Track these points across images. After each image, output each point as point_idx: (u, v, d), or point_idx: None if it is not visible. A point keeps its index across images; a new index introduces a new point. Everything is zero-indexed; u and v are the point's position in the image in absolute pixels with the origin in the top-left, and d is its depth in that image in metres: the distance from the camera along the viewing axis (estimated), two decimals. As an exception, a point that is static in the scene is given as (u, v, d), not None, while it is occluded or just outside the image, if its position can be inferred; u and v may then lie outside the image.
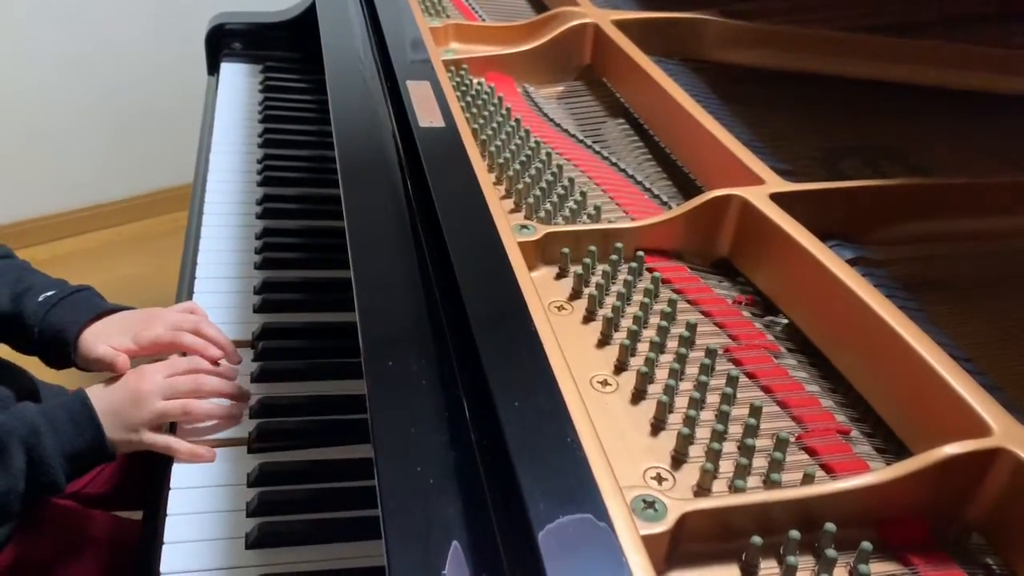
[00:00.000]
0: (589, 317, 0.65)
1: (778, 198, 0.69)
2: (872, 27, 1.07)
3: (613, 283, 0.68)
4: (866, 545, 0.46)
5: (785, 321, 0.67)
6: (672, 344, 0.62)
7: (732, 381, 0.57)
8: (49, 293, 0.85)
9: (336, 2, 1.05)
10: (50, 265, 0.90)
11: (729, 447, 0.54)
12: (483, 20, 1.16)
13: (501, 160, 0.82)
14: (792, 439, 0.55)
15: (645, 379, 0.58)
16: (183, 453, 0.75)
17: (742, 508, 0.47)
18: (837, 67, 1.02)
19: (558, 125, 0.94)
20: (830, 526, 0.47)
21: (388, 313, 0.55)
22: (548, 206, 0.75)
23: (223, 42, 1.41)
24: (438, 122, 0.77)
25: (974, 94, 0.99)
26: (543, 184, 0.78)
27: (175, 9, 2.25)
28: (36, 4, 2.08)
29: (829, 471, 0.53)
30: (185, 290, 0.94)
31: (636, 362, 0.60)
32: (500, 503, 0.43)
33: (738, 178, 0.74)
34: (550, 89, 1.05)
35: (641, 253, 0.69)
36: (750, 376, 0.60)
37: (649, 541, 0.44)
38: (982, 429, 0.49)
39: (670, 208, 0.78)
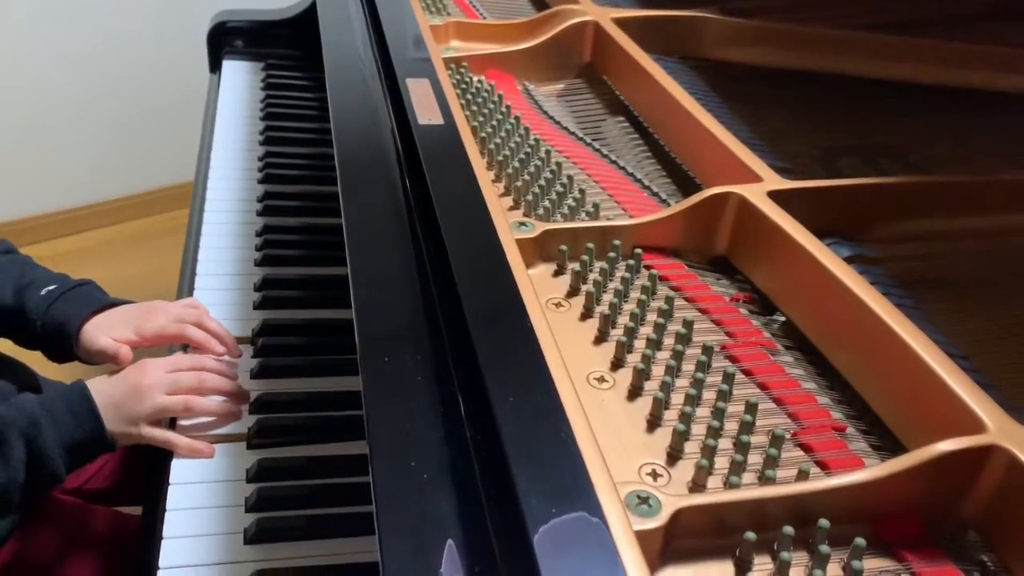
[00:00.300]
0: (586, 314, 0.65)
1: (776, 196, 0.69)
2: (872, 25, 1.07)
3: (611, 280, 0.68)
4: (860, 541, 0.46)
5: (783, 318, 0.67)
6: (669, 341, 0.62)
7: (728, 378, 0.57)
8: (51, 287, 0.85)
9: (337, 0, 1.05)
10: (51, 263, 0.91)
11: (725, 444, 0.54)
12: (484, 18, 1.17)
13: (500, 157, 0.82)
14: (788, 436, 0.55)
15: (641, 376, 0.58)
16: (182, 448, 0.75)
17: (736, 504, 0.48)
18: (837, 65, 1.02)
19: (558, 123, 0.95)
20: (824, 522, 0.47)
21: (384, 309, 0.56)
22: (546, 203, 0.75)
23: (225, 40, 1.41)
24: (437, 119, 0.77)
25: (974, 92, 0.99)
26: (542, 182, 0.78)
27: (177, 6, 2.25)
28: (38, 2, 2.08)
29: (824, 468, 0.53)
30: (186, 287, 0.95)
31: (633, 359, 0.61)
32: (494, 498, 0.43)
33: (736, 176, 0.74)
34: (550, 87, 1.05)
35: (639, 250, 0.70)
36: (746, 373, 0.61)
37: (643, 536, 0.44)
38: (977, 426, 0.50)
39: (669, 206, 0.79)
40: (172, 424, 0.78)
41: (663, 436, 0.55)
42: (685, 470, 0.53)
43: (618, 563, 0.40)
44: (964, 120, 0.97)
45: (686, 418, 0.54)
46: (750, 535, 0.47)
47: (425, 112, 0.78)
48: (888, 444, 0.56)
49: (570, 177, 0.79)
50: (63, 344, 0.83)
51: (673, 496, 0.47)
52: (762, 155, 0.78)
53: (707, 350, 0.60)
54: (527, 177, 0.78)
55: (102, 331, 0.82)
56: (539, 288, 0.67)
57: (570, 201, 0.76)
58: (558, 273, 0.70)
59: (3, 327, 0.87)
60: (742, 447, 0.52)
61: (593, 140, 0.92)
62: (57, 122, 2.26)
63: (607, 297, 0.66)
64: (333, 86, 0.84)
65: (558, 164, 0.81)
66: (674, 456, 0.54)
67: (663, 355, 0.61)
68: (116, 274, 2.21)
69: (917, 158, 0.91)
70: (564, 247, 0.69)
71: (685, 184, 0.85)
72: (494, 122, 0.87)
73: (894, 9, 1.11)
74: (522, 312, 0.55)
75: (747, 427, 0.54)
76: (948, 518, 0.50)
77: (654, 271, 0.68)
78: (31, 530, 0.85)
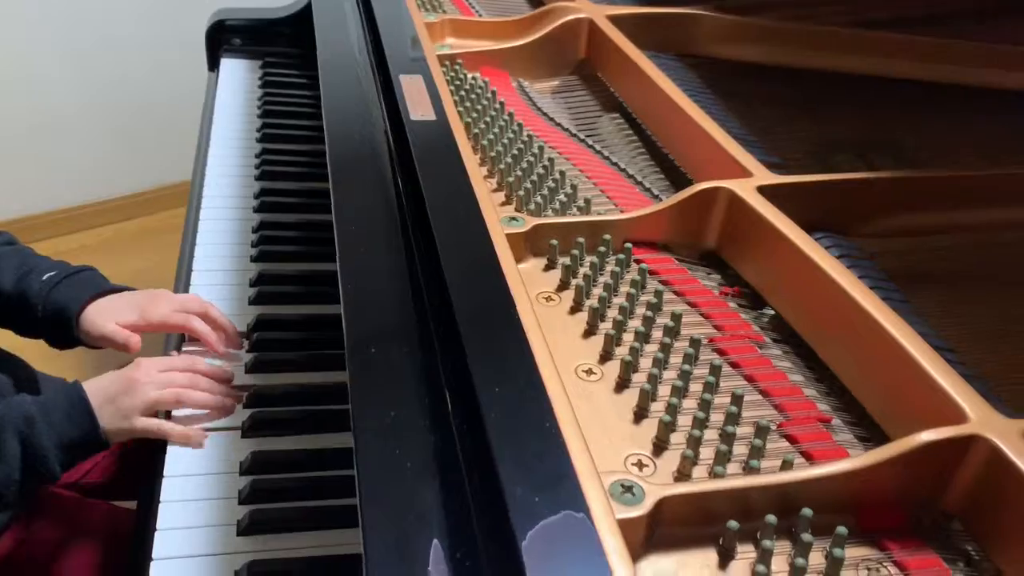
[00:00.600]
0: (576, 308, 0.66)
1: (765, 190, 0.70)
2: (865, 22, 1.07)
3: (601, 274, 0.69)
4: (841, 529, 0.46)
5: (772, 312, 0.68)
6: (657, 334, 0.63)
7: (715, 370, 0.58)
8: (52, 272, 0.86)
9: (332, -2, 1.06)
10: None
11: (710, 435, 0.54)
12: (480, 15, 1.17)
13: (493, 153, 0.82)
14: (773, 427, 0.56)
15: (629, 368, 0.59)
16: (175, 435, 0.76)
17: (719, 493, 0.48)
18: (831, 62, 1.03)
19: (552, 119, 0.95)
20: (807, 511, 0.48)
21: (373, 300, 0.56)
22: (538, 199, 0.76)
23: (223, 38, 1.42)
24: (429, 115, 0.77)
25: (968, 88, 0.99)
26: (534, 177, 0.78)
27: (178, 6, 2.26)
28: (40, 2, 2.09)
29: (809, 458, 0.54)
30: (183, 282, 0.95)
31: (621, 351, 0.61)
32: (478, 487, 0.43)
33: (726, 171, 0.74)
34: (545, 84, 1.05)
35: (629, 245, 0.70)
36: (734, 366, 0.61)
37: (626, 525, 0.44)
38: (959, 417, 0.50)
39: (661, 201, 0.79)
40: (167, 417, 0.78)
41: (650, 427, 0.56)
42: (671, 460, 0.53)
43: (600, 550, 0.41)
44: (959, 116, 0.98)
45: (672, 409, 0.55)
46: (733, 524, 0.47)
47: (418, 108, 0.79)
48: (874, 436, 0.57)
49: (562, 173, 0.79)
50: (65, 328, 0.84)
51: (657, 485, 0.47)
52: (754, 151, 0.78)
53: (695, 343, 0.61)
54: (519, 173, 0.79)
55: (106, 316, 0.83)
56: (530, 282, 0.68)
57: (562, 196, 0.76)
58: (549, 267, 0.70)
59: (4, 314, 0.87)
60: (727, 437, 0.53)
61: (588, 136, 0.93)
62: (60, 121, 2.27)
63: (597, 291, 0.67)
64: (327, 83, 0.84)
65: (550, 160, 0.81)
66: (660, 447, 0.54)
67: (651, 348, 0.62)
68: (118, 271, 2.21)
69: (911, 154, 0.92)
70: (555, 242, 0.70)
71: (678, 180, 0.85)
72: (487, 118, 0.88)
73: (887, 6, 1.11)
74: (510, 305, 0.55)
75: (732, 418, 0.54)
76: (931, 508, 0.51)
77: (644, 265, 0.69)
78: (28, 524, 0.86)
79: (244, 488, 0.70)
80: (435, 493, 0.43)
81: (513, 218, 0.70)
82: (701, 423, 0.54)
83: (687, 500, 0.48)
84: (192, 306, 0.85)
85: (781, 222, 0.66)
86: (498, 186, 0.80)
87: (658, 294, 0.65)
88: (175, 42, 2.29)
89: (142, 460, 0.83)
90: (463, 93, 0.92)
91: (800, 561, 0.46)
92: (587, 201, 0.76)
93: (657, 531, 0.48)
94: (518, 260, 0.69)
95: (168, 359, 0.82)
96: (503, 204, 0.78)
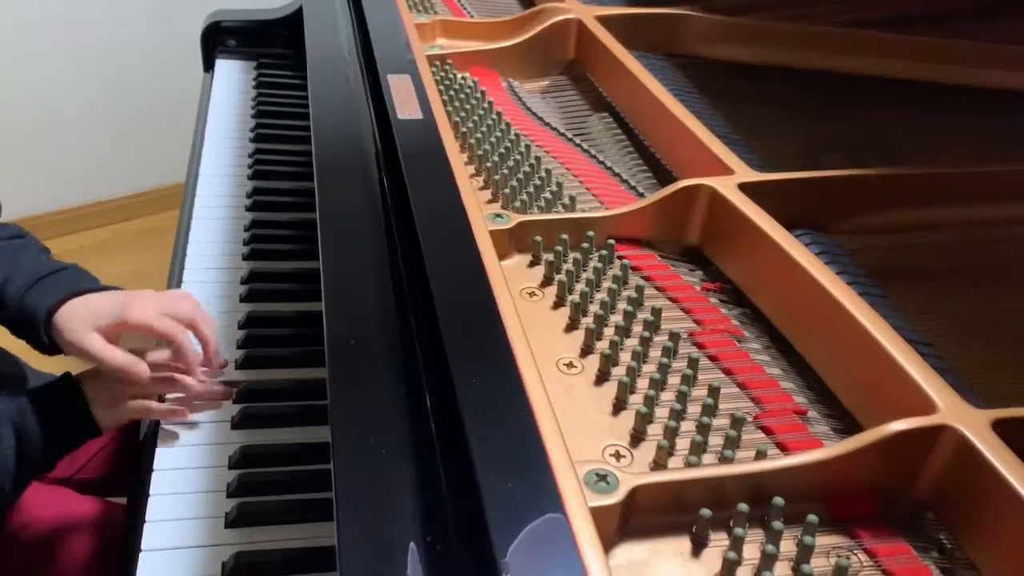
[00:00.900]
0: (559, 303, 0.67)
1: (746, 188, 0.71)
2: (853, 22, 1.08)
3: (584, 270, 0.70)
4: (812, 518, 0.47)
5: (753, 307, 0.68)
6: (637, 328, 0.63)
7: (693, 363, 0.59)
8: (26, 277, 0.79)
9: (323, 1, 1.07)
10: None
11: (687, 426, 0.55)
12: (472, 16, 1.18)
13: (480, 152, 0.83)
14: (749, 419, 0.56)
15: (609, 361, 0.60)
16: (161, 412, 0.77)
17: (693, 482, 0.49)
18: (819, 61, 1.04)
19: (540, 118, 0.96)
20: (778, 500, 0.48)
21: (354, 292, 0.57)
22: (524, 196, 0.77)
23: (218, 39, 1.43)
24: (416, 114, 0.78)
25: (958, 87, 1.00)
26: (520, 175, 0.79)
27: (180, 7, 2.28)
28: (40, 6, 2.11)
29: (784, 449, 0.55)
30: (175, 280, 0.96)
31: (601, 345, 0.62)
32: (452, 474, 0.44)
33: (709, 168, 0.75)
34: (535, 84, 1.06)
35: (611, 241, 0.71)
36: (712, 359, 0.62)
37: (599, 512, 0.45)
38: (929, 407, 0.51)
39: (645, 199, 0.80)
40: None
41: (628, 419, 0.56)
42: (648, 451, 0.54)
43: (570, 536, 0.42)
44: (958, 116, 0.98)
45: (650, 401, 0.55)
46: (705, 512, 0.48)
47: (405, 108, 0.79)
48: (849, 427, 0.57)
49: (548, 171, 0.80)
50: (36, 336, 0.77)
51: (631, 474, 0.48)
52: (741, 149, 0.79)
53: (674, 337, 0.61)
54: (506, 171, 0.79)
55: (80, 320, 0.75)
56: (514, 278, 0.69)
57: (547, 194, 0.77)
58: (533, 263, 0.71)
59: None
60: (703, 428, 0.54)
61: (576, 135, 0.94)
62: (62, 122, 2.28)
63: (579, 286, 0.67)
64: (315, 83, 0.85)
65: (537, 158, 0.82)
66: (637, 438, 0.55)
67: (631, 342, 0.63)
68: (119, 271, 2.24)
69: (899, 152, 0.93)
70: (539, 238, 0.71)
71: (665, 179, 0.86)
72: (476, 117, 0.89)
73: (876, 6, 1.12)
74: (490, 299, 0.56)
75: (709, 410, 0.55)
76: (902, 497, 0.52)
77: (625, 261, 0.70)
78: (22, 518, 0.87)
79: (232, 481, 0.71)
80: (410, 480, 0.44)
81: (498, 215, 0.71)
82: (678, 414, 0.54)
83: (660, 489, 0.48)
84: (181, 312, 0.78)
85: (761, 219, 0.67)
86: (485, 184, 0.81)
87: (639, 289, 0.66)
88: (176, 44, 2.30)
89: (135, 457, 0.84)
90: (452, 93, 0.93)
91: (770, 548, 0.47)
92: (572, 199, 0.77)
93: (631, 519, 0.49)
94: (503, 256, 0.71)
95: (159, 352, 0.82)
96: (490, 201, 0.79)
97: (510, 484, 0.43)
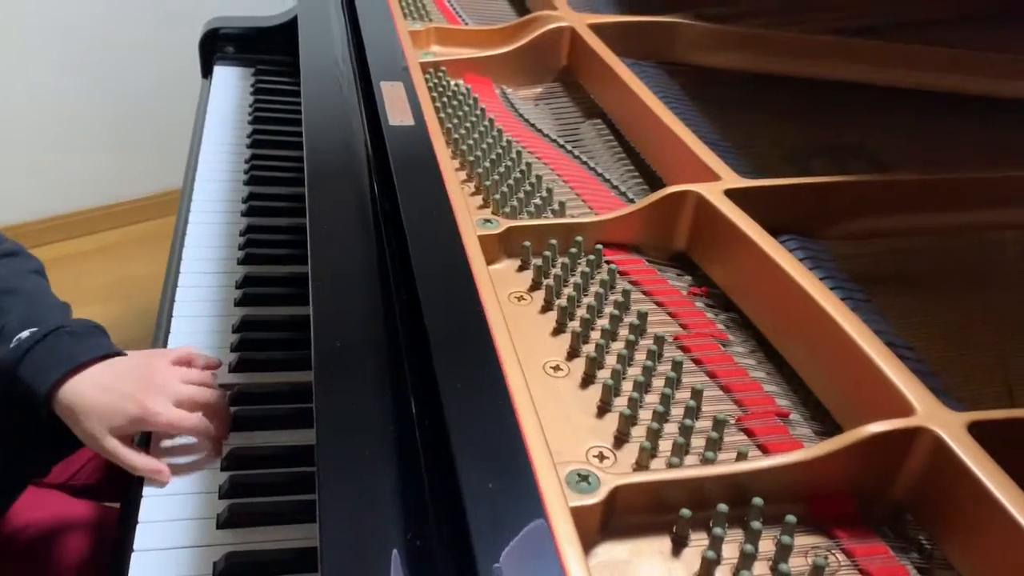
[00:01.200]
0: (547, 307, 0.68)
1: (733, 194, 0.72)
2: (844, 30, 1.10)
3: (572, 275, 0.71)
4: (790, 518, 0.48)
5: (738, 311, 0.69)
6: (623, 332, 0.64)
7: (676, 366, 0.60)
8: (23, 335, 0.73)
9: (318, 8, 1.08)
10: (58, 264, 0.90)
11: (670, 428, 0.56)
12: (466, 24, 1.19)
13: (472, 158, 0.84)
14: (731, 421, 0.57)
15: (594, 364, 0.61)
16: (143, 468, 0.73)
17: (673, 483, 0.50)
18: (810, 69, 1.05)
19: (532, 125, 0.97)
20: (757, 500, 0.49)
21: (341, 295, 0.58)
22: (514, 202, 0.78)
23: (216, 46, 1.44)
24: (408, 121, 0.79)
25: (945, 95, 1.01)
26: (511, 181, 0.80)
27: (180, 13, 2.30)
28: (39, 11, 2.12)
29: (765, 451, 0.55)
30: (171, 284, 0.97)
31: (587, 349, 0.63)
32: (434, 473, 0.45)
33: (696, 175, 0.76)
34: (528, 90, 1.07)
35: (599, 246, 0.72)
36: (697, 362, 0.63)
37: (579, 512, 0.46)
38: (907, 410, 0.52)
39: (634, 204, 0.81)
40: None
41: (612, 421, 0.57)
42: (631, 453, 0.55)
43: (549, 535, 0.43)
44: (935, 122, 0.99)
45: (633, 403, 0.56)
46: (685, 512, 0.49)
47: (397, 114, 0.81)
48: (831, 430, 0.58)
49: (539, 177, 0.81)
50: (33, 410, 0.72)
51: (613, 475, 0.49)
52: (729, 156, 0.80)
53: (659, 340, 0.62)
54: (497, 176, 0.80)
55: (98, 424, 0.71)
56: (502, 282, 0.70)
57: (537, 200, 0.78)
58: (522, 268, 0.72)
59: None
60: (685, 430, 0.55)
61: (568, 142, 0.95)
62: (60, 128, 2.30)
63: (567, 291, 0.68)
64: (308, 90, 0.86)
65: (528, 165, 0.83)
66: (621, 439, 0.56)
67: (617, 345, 0.63)
68: (123, 276, 2.26)
69: (887, 159, 0.94)
70: (527, 243, 0.72)
71: (656, 185, 0.87)
72: (468, 124, 0.90)
73: (866, 14, 1.13)
74: (476, 302, 0.57)
75: (691, 412, 0.56)
76: (881, 498, 0.52)
77: (613, 266, 0.71)
78: (17, 521, 0.88)
79: (224, 483, 0.72)
80: (392, 480, 0.45)
81: (488, 220, 0.72)
82: (661, 416, 0.55)
83: (641, 489, 0.49)
84: (200, 397, 0.75)
85: (746, 224, 0.68)
86: (476, 189, 0.82)
87: (626, 294, 0.67)
88: (176, 49, 2.31)
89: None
90: (445, 99, 0.94)
91: (749, 548, 0.47)
92: (562, 204, 0.78)
93: (612, 519, 0.50)
94: (492, 261, 0.71)
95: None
96: (480, 207, 0.80)
97: (491, 484, 0.44)
